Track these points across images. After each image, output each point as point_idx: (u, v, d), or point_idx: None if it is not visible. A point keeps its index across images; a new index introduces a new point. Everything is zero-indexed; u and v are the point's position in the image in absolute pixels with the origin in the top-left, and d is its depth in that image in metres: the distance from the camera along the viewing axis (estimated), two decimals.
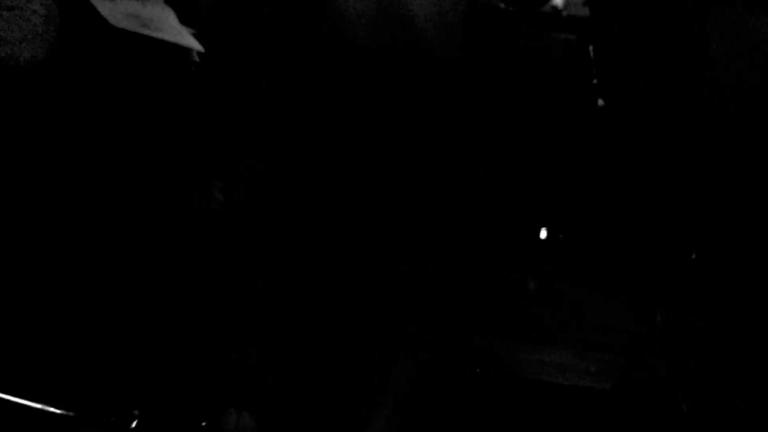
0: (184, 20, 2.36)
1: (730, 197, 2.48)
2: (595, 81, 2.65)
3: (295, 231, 2.59)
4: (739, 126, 2.45)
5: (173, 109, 2.37)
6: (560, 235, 2.87)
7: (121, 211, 2.18)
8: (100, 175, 2.14)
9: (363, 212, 2.75)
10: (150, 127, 2.30)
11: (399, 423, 1.91)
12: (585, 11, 2.91)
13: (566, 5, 3.04)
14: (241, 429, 1.77)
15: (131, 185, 2.24)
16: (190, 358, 1.95)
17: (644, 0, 2.41)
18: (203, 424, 1.75)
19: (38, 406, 1.58)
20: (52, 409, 1.58)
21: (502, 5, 3.06)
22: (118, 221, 2.16)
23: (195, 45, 2.31)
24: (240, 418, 1.79)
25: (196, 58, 2.37)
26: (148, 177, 2.30)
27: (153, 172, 2.32)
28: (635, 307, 2.58)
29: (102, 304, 1.97)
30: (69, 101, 2.07)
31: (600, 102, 2.63)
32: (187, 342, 1.98)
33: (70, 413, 1.58)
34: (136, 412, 1.60)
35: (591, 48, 2.68)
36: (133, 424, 1.59)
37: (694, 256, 2.48)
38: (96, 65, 2.11)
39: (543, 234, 2.88)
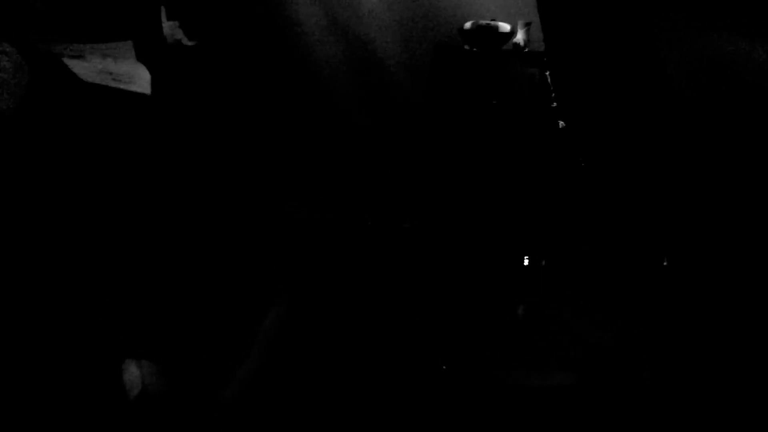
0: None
1: (695, 205, 2.53)
2: (554, 105, 2.74)
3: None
4: (698, 135, 2.52)
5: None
6: (543, 262, 2.91)
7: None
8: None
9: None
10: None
11: (270, 363, 1.96)
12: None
13: (527, 42, 3.16)
14: (145, 377, 1.82)
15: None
16: None
17: (594, 27, 2.52)
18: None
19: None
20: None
21: (466, 47, 3.19)
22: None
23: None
24: (141, 366, 1.83)
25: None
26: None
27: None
28: (615, 322, 2.61)
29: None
30: (41, 149, 2.19)
31: (561, 124, 2.72)
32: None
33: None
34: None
35: (548, 75, 2.78)
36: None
37: (665, 263, 2.52)
38: (66, 115, 2.24)
39: (526, 262, 2.93)
